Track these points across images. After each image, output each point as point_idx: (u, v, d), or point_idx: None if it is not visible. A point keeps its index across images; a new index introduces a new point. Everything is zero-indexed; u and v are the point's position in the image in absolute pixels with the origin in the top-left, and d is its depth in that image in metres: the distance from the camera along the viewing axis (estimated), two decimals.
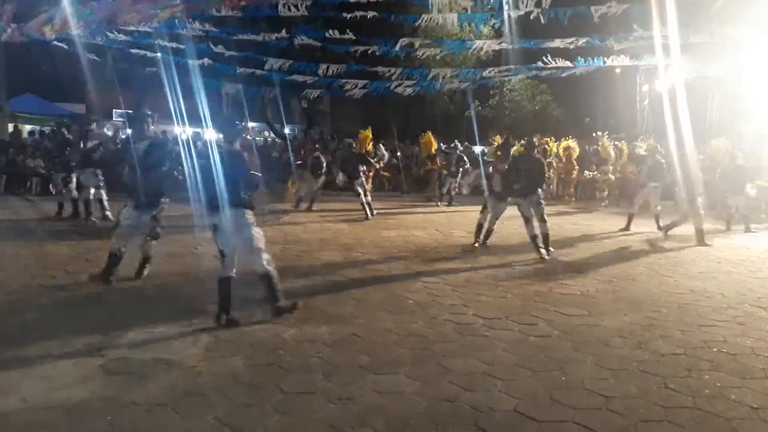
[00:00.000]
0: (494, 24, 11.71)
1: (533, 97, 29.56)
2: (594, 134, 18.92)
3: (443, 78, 14.27)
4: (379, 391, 3.95)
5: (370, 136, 17.37)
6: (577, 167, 17.51)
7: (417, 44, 13.10)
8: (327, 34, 12.55)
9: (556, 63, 12.32)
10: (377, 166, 16.05)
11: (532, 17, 10.08)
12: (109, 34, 11.85)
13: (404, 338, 5.00)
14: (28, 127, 22.14)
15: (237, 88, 21.59)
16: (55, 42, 12.86)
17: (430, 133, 18.54)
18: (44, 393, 3.79)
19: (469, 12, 11.17)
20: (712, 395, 3.97)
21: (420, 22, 11.74)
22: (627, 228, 11.54)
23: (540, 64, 12.71)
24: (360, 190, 12.91)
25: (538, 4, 9.57)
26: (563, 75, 14.15)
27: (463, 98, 27.83)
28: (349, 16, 11.26)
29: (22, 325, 5.13)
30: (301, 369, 4.29)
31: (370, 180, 16.36)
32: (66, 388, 3.86)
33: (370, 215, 12.66)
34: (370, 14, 11.23)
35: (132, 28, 11.60)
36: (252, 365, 4.34)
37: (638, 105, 23.32)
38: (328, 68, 14.40)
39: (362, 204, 12.72)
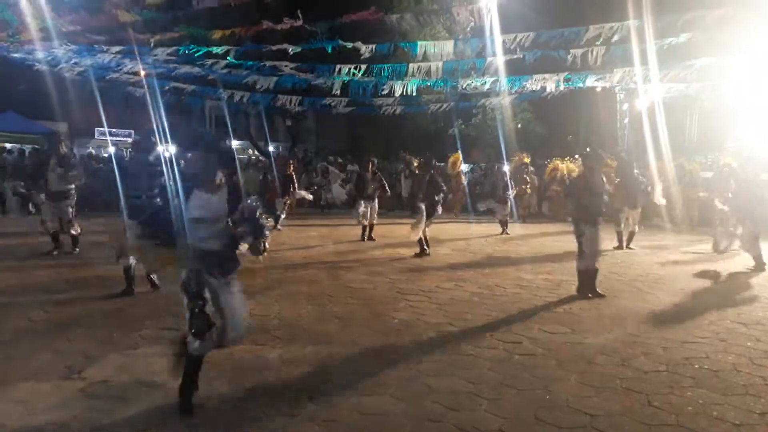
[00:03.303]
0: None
1: (515, 115, 29.79)
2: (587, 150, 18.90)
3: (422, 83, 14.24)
4: (363, 412, 3.93)
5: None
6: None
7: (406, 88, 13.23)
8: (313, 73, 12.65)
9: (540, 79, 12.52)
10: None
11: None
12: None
13: (389, 358, 4.99)
14: (8, 146, 21.88)
15: (221, 105, 21.61)
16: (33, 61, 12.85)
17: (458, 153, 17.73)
18: (23, 417, 3.72)
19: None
20: (695, 412, 3.99)
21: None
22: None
23: (526, 84, 12.90)
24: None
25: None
26: (546, 95, 14.37)
27: (446, 116, 28.05)
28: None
29: (1, 346, 5.03)
30: (285, 391, 4.25)
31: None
32: (45, 412, 3.79)
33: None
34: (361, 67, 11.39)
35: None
36: (236, 387, 4.29)
37: (619, 123, 23.61)
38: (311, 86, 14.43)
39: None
